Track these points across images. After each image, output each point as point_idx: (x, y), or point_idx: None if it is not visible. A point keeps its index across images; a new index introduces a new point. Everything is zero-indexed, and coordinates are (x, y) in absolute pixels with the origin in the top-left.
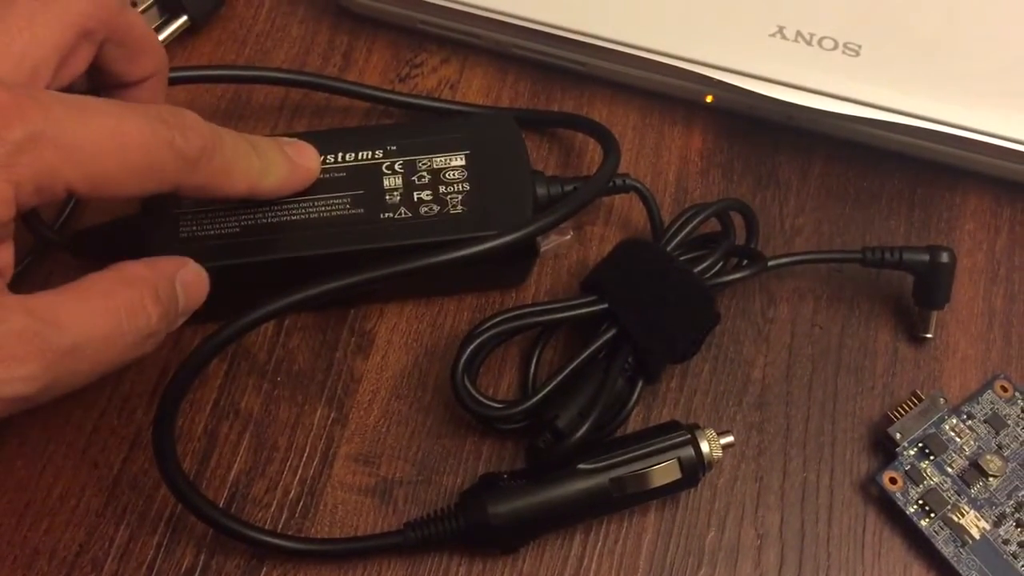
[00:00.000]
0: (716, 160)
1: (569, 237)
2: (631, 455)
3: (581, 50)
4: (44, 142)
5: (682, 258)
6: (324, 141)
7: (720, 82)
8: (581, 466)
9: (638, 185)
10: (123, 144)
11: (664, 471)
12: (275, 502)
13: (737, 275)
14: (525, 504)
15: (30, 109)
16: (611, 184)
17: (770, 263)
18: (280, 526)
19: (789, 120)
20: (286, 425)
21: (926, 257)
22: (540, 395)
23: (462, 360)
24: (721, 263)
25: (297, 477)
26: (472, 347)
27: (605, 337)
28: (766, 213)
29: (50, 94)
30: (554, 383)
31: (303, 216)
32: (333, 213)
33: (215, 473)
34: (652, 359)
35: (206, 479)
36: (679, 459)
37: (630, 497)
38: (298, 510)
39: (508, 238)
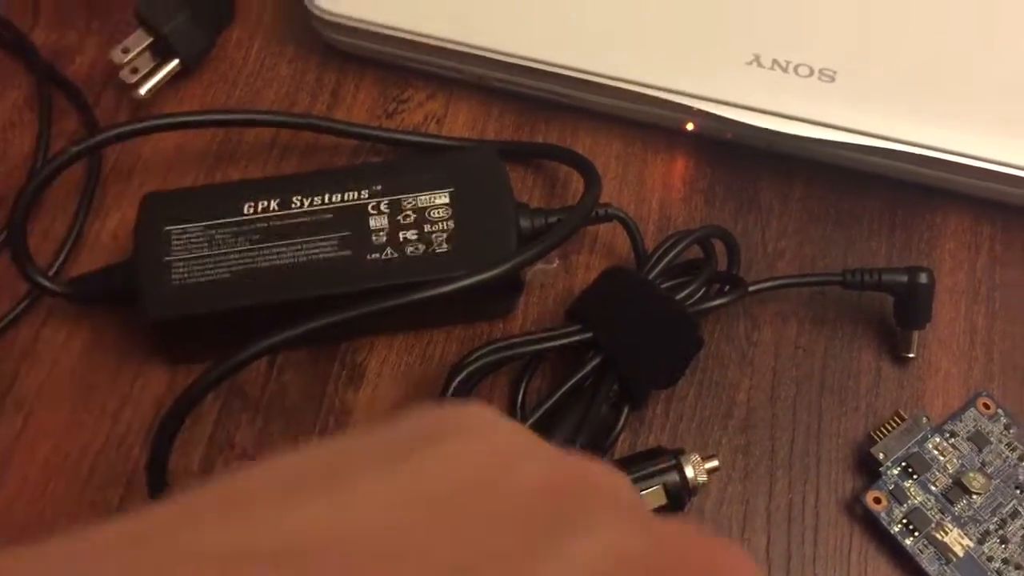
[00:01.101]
0: (698, 187)
1: (555, 266)
2: None
3: (562, 83)
4: None
5: (664, 285)
6: (310, 183)
7: (699, 111)
8: None
9: (620, 214)
10: None
11: (649, 497)
12: None
13: (718, 301)
14: None
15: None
16: (594, 214)
17: (751, 288)
18: None
19: (769, 146)
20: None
21: (905, 278)
22: (528, 423)
23: (449, 392)
24: (703, 289)
25: None
26: (459, 378)
27: (590, 365)
28: (748, 237)
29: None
30: (540, 412)
31: (291, 260)
32: (321, 256)
33: None
34: (637, 386)
35: None
36: (664, 484)
37: None
38: None
39: (488, 274)
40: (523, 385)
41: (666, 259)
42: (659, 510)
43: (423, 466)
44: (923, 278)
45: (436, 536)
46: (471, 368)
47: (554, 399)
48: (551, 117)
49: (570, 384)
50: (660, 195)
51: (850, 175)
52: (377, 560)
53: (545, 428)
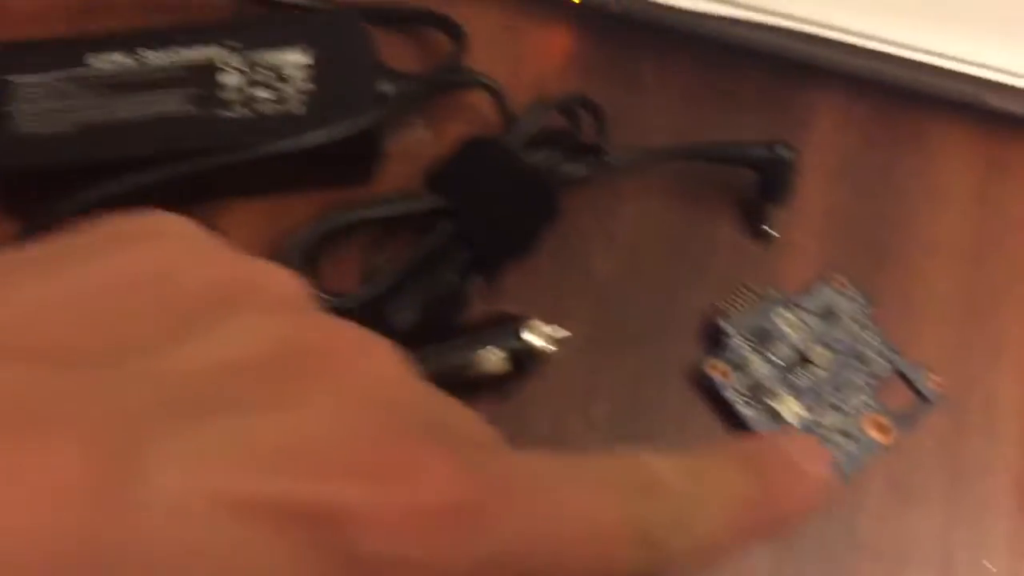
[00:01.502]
0: (576, 57)
1: (421, 133)
2: (459, 347)
3: None
4: (501, 559)
5: (525, 154)
6: (161, 37)
7: None
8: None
9: (484, 80)
10: (587, 534)
11: (491, 362)
12: None
13: (575, 171)
14: None
15: (487, 502)
16: (458, 78)
17: (612, 161)
18: None
19: (650, 19)
20: None
21: (766, 153)
22: (375, 289)
23: (288, 256)
24: (566, 159)
25: None
26: (301, 242)
27: (443, 232)
28: (625, 113)
29: (499, 463)
30: (388, 278)
31: (138, 116)
32: (169, 112)
33: None
34: (489, 255)
35: None
36: (507, 350)
37: (456, 389)
38: None
39: (335, 132)
40: (377, 251)
41: (526, 127)
42: (497, 375)
43: (88, 267)
44: (784, 153)
45: (79, 329)
46: (311, 233)
47: (402, 265)
48: None
49: (420, 252)
50: (538, 68)
51: (728, 51)
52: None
53: (394, 295)
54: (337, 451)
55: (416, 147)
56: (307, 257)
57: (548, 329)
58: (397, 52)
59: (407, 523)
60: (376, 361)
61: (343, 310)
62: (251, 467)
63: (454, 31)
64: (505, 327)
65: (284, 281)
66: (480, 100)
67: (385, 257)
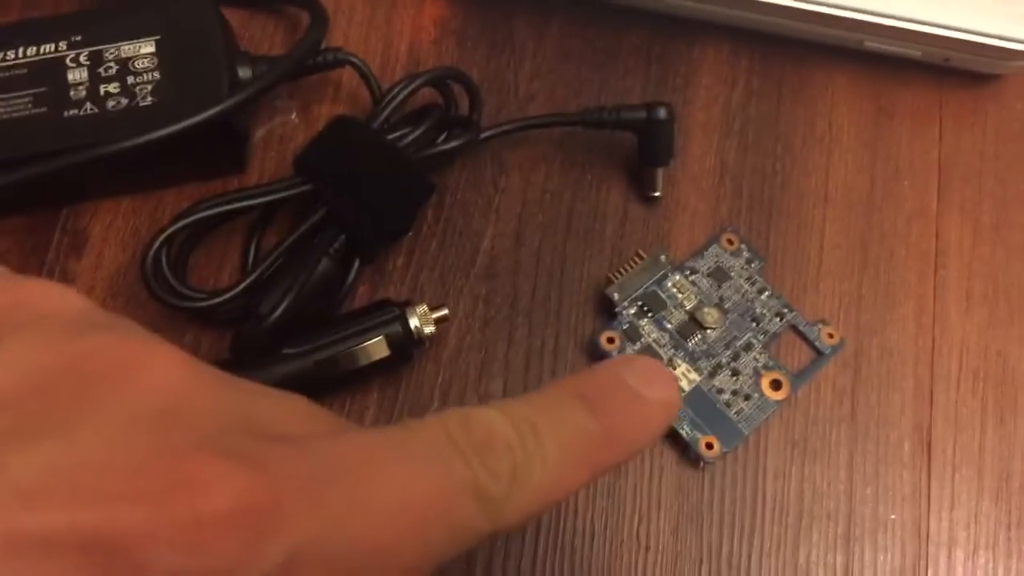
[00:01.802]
0: (450, 27)
1: (292, 117)
2: (338, 336)
3: None
4: (309, 551)
5: (398, 132)
6: (5, 36)
7: None
8: (286, 351)
9: (351, 58)
10: (406, 505)
11: (371, 349)
12: None
13: (446, 146)
14: None
15: (283, 499)
16: (321, 59)
17: (484, 133)
18: None
19: None
20: None
21: (644, 114)
22: (247, 281)
23: (150, 253)
24: (438, 135)
25: None
26: (163, 237)
27: (313, 219)
28: (501, 79)
29: (302, 455)
30: (261, 268)
31: None
32: (14, 115)
33: None
34: (363, 238)
35: None
36: (387, 336)
37: (340, 378)
38: None
39: (184, 124)
40: (253, 242)
41: (393, 104)
42: (383, 362)
43: None
44: (662, 113)
45: None
46: (175, 227)
47: (276, 254)
48: None
49: (292, 238)
50: (410, 38)
51: (607, 11)
52: None
53: (270, 286)
54: (110, 474)
55: (288, 131)
56: (174, 252)
57: (431, 312)
58: (266, 33)
59: (191, 535)
60: (155, 374)
61: (214, 306)
62: (26, 502)
63: (315, 9)
64: (385, 313)
65: (57, 299)
66: (351, 78)
67: (259, 246)
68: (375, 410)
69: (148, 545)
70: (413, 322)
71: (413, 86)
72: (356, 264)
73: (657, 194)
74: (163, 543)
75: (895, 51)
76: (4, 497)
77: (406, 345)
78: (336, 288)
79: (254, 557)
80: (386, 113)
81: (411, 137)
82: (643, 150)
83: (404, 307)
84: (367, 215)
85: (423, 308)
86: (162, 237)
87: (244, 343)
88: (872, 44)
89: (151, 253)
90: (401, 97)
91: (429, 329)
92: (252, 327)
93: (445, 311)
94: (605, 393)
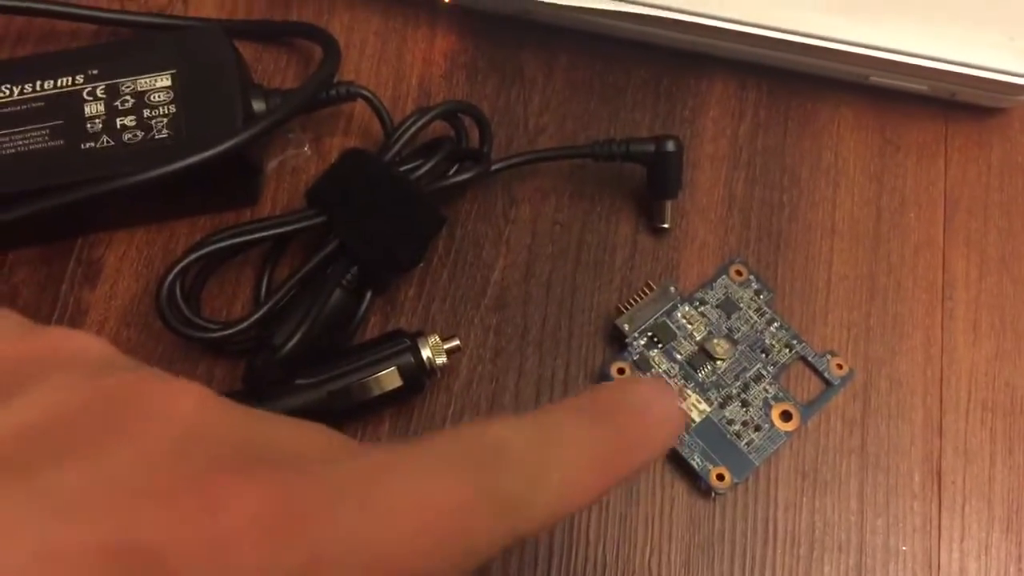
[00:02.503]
0: (460, 61)
1: (305, 149)
2: (351, 367)
3: None
4: (326, 560)
5: (409, 164)
6: (19, 69)
7: None
8: (299, 381)
9: (363, 92)
10: (423, 515)
11: (384, 379)
12: None
13: (457, 178)
14: None
15: (298, 510)
16: (334, 92)
17: (494, 166)
18: None
19: (528, 15)
20: None
21: (653, 147)
22: (260, 312)
23: (165, 284)
24: (449, 167)
25: None
26: (178, 269)
27: (325, 251)
28: (510, 113)
29: (318, 470)
30: (274, 299)
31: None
32: (31, 147)
33: None
34: (374, 269)
35: None
36: (399, 367)
37: (353, 408)
38: None
39: (200, 157)
40: (266, 273)
41: (405, 137)
42: (395, 392)
43: None
44: (670, 146)
45: None
46: (190, 258)
47: (288, 285)
48: None
49: (305, 270)
50: (420, 72)
51: (616, 45)
52: None
53: (283, 317)
54: (144, 492)
55: (300, 163)
56: (188, 283)
57: (443, 342)
58: (279, 67)
59: (218, 546)
60: (175, 404)
61: (227, 337)
62: (63, 517)
63: (328, 44)
64: (398, 344)
65: (80, 344)
66: (364, 111)
67: (272, 278)
68: (387, 440)
69: (179, 557)
70: (425, 353)
71: (425, 119)
72: (368, 295)
73: (666, 226)
74: (193, 555)
75: (901, 86)
76: (43, 512)
77: (418, 376)
78: (348, 319)
79: (272, 566)
80: (398, 146)
81: (423, 170)
82: (652, 182)
83: (416, 338)
84: (379, 247)
85: (435, 339)
86: (177, 268)
87: (257, 373)
88: (878, 79)
89: (166, 284)
90: (413, 130)
91: (441, 360)
92: (265, 358)
93: (457, 342)
94: (616, 408)
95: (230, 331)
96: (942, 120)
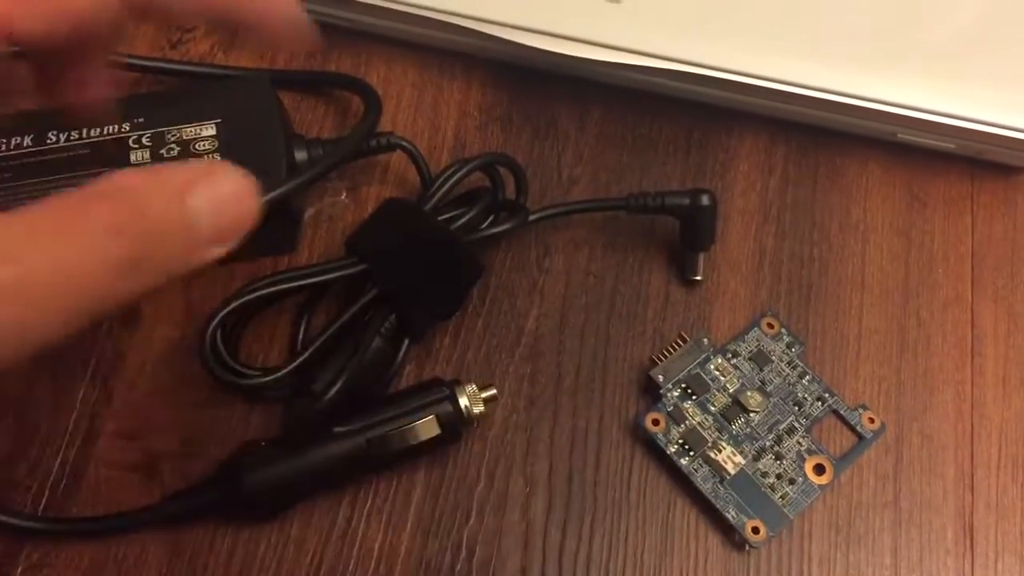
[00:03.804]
0: (495, 113)
1: (343, 198)
2: (389, 415)
3: (354, 9)
4: None
5: (448, 215)
6: (68, 118)
7: (484, 34)
8: (337, 429)
9: (403, 142)
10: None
11: (422, 428)
12: (36, 484)
13: (496, 229)
14: (281, 470)
15: None
16: (375, 143)
17: (531, 216)
18: (41, 508)
19: (559, 69)
20: (47, 406)
21: (687, 201)
22: (300, 359)
23: (208, 331)
24: (486, 218)
25: (59, 458)
26: (222, 316)
27: (365, 299)
28: (544, 164)
29: None
30: (314, 347)
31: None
32: None
33: None
34: (413, 318)
35: None
36: (437, 415)
37: (391, 456)
38: (60, 490)
39: None
40: (304, 320)
41: (445, 188)
42: (433, 441)
43: None
44: (705, 200)
45: None
46: (232, 305)
47: (327, 333)
48: (345, 44)
49: (344, 318)
50: (455, 123)
51: (647, 99)
52: None
53: (322, 364)
54: None
55: (337, 211)
56: (228, 328)
57: (480, 391)
58: (316, 116)
59: None
60: None
61: (268, 384)
62: None
63: (368, 96)
64: (436, 392)
65: None
66: (400, 161)
67: (309, 326)
68: (422, 488)
69: None
70: (463, 401)
71: (466, 170)
72: (405, 343)
73: (699, 278)
74: None
75: (929, 144)
76: None
77: (456, 425)
78: (386, 367)
79: None
80: (438, 196)
81: (463, 220)
82: (685, 235)
83: (454, 386)
84: (420, 296)
85: (472, 388)
86: (221, 315)
87: (297, 420)
88: (905, 136)
89: (209, 331)
90: (453, 180)
91: (479, 409)
92: (305, 404)
93: (494, 391)
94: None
95: (271, 378)
96: (968, 177)
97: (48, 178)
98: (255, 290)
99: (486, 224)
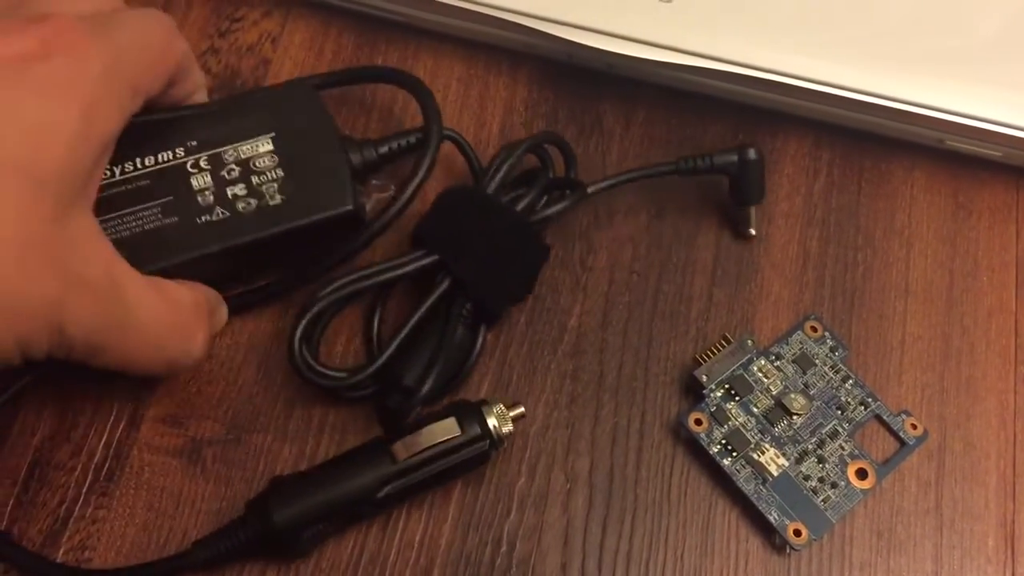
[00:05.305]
0: (540, 110)
1: (390, 194)
2: (418, 451)
3: (403, 2)
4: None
5: (504, 198)
6: (124, 149)
7: (534, 31)
8: (366, 460)
9: (451, 133)
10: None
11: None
12: (80, 466)
13: (558, 206)
14: (311, 504)
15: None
16: (423, 139)
17: (590, 189)
18: (84, 490)
19: (609, 68)
20: (91, 389)
21: (735, 157)
22: (384, 356)
23: (297, 333)
24: (543, 197)
25: (103, 440)
26: (306, 319)
27: (440, 289)
28: (589, 163)
29: None
30: (396, 342)
31: (116, 237)
32: (147, 227)
33: (18, 440)
34: (488, 303)
35: (7, 446)
36: (472, 438)
37: (419, 488)
38: (103, 473)
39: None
40: (376, 317)
41: (502, 171)
42: (464, 465)
43: None
44: (752, 154)
45: None
46: (317, 308)
47: (408, 327)
48: (392, 38)
49: (422, 310)
50: (501, 118)
51: (693, 99)
52: None
53: (404, 358)
54: None
55: (382, 206)
56: (313, 332)
57: (508, 410)
58: (350, 116)
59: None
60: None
61: (357, 383)
62: None
63: (420, 92)
64: (466, 415)
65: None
66: (448, 152)
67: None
68: (463, 481)
69: None
70: (491, 422)
71: (521, 150)
72: (483, 329)
73: (752, 232)
74: None
75: (976, 151)
76: None
77: (487, 454)
78: (467, 355)
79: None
80: (497, 179)
81: (526, 200)
82: (736, 191)
83: (481, 407)
84: (494, 280)
85: (500, 407)
86: (307, 317)
87: (394, 416)
88: (952, 143)
89: (298, 333)
90: (510, 162)
91: (507, 428)
92: (399, 400)
93: (522, 409)
94: None
95: (358, 377)
96: (1014, 187)
97: (112, 215)
98: (338, 289)
99: (544, 203)
